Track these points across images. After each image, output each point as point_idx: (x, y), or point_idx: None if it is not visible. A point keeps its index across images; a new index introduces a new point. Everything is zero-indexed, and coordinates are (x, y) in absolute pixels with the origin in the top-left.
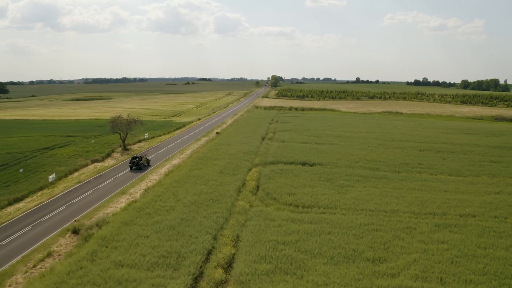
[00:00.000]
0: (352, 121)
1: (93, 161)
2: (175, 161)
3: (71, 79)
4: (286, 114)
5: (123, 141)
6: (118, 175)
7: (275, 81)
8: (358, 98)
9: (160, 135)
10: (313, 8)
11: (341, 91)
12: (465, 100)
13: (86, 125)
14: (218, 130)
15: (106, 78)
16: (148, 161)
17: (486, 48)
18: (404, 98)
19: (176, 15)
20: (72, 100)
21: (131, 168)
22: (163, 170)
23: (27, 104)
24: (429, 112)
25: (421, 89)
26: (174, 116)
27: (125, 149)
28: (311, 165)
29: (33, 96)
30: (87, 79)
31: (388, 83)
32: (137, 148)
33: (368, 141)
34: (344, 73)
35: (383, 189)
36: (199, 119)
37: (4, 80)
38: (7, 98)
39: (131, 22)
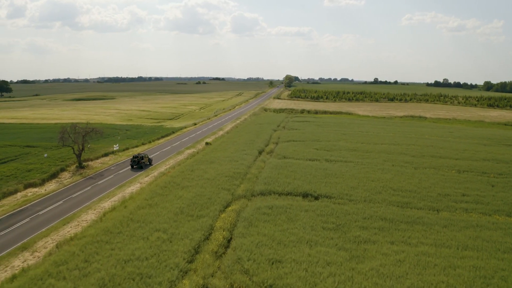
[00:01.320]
0: (371, 128)
1: (28, 186)
2: (130, 189)
3: (88, 77)
4: (296, 119)
5: (78, 156)
6: (41, 212)
7: (289, 81)
8: (376, 100)
9: (137, 146)
10: (331, 8)
11: (359, 92)
12: (491, 103)
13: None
14: (210, 139)
15: (123, 77)
16: (150, 160)
17: (505, 49)
18: (426, 101)
19: (193, 14)
20: (73, 100)
21: (132, 166)
22: (107, 204)
23: (22, 104)
24: (455, 116)
25: (442, 91)
26: (170, 119)
27: (80, 167)
28: (315, 198)
29: (36, 95)
30: (103, 78)
31: (407, 84)
32: (98, 165)
33: (392, 158)
34: (361, 74)
35: (420, 248)
36: (195, 124)
37: (20, 78)
38: (9, 97)
39: (148, 21)
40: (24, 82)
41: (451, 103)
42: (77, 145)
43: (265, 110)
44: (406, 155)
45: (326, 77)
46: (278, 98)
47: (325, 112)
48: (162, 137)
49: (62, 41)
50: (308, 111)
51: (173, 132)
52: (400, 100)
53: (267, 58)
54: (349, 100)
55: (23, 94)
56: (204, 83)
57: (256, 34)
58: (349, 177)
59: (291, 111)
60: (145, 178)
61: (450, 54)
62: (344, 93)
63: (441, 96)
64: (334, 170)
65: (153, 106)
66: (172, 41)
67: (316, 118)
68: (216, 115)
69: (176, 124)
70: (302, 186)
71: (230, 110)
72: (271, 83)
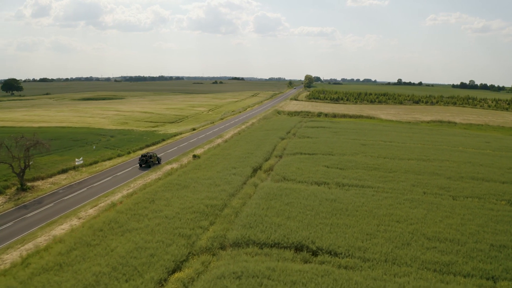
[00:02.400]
0: (396, 137)
1: None
2: (60, 228)
3: (111, 76)
4: (311, 124)
5: (20, 175)
6: None
7: (309, 81)
8: (400, 102)
9: (110, 158)
10: (354, 8)
11: (382, 93)
12: None
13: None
14: (200, 151)
15: (144, 76)
16: (158, 159)
17: None
18: (454, 104)
19: (216, 14)
20: (81, 99)
21: (140, 165)
22: (10, 256)
23: (23, 104)
24: (487, 122)
25: (469, 93)
26: (171, 122)
27: (22, 188)
28: (313, 253)
29: (47, 94)
30: (125, 77)
31: (432, 85)
32: (46, 186)
33: (423, 181)
34: (385, 74)
35: None
36: (194, 129)
37: (42, 76)
38: (19, 95)
39: (172, 21)
40: (43, 80)
41: (480, 106)
42: (18, 162)
43: (278, 113)
44: (440, 176)
45: (348, 78)
46: (295, 100)
47: (344, 116)
48: (147, 146)
49: (86, 40)
50: (326, 115)
51: (163, 140)
52: (426, 102)
53: (290, 58)
54: (371, 102)
55: (35, 93)
56: (221, 82)
57: (279, 34)
58: (365, 214)
59: (307, 114)
60: (89, 210)
61: (475, 55)
62: (366, 94)
63: (469, 98)
64: (345, 201)
65: (158, 107)
66: (195, 40)
67: (333, 123)
68: (222, 119)
69: (174, 128)
70: (296, 232)
71: (240, 112)
72: (290, 83)
